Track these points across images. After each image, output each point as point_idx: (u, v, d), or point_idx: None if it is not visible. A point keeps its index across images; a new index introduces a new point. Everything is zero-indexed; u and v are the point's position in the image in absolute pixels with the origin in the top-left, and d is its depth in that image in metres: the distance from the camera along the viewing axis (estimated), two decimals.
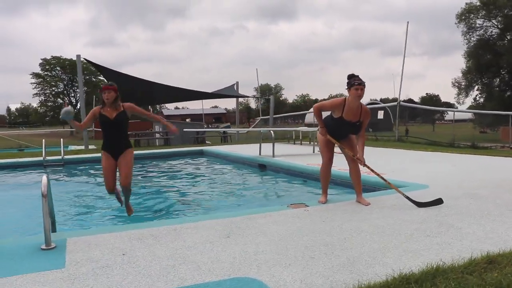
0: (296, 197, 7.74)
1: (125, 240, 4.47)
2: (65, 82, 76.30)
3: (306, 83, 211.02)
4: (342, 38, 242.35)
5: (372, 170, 6.08)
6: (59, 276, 3.50)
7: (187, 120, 40.51)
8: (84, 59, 19.87)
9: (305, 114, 42.40)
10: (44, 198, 4.15)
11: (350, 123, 5.72)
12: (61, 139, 17.18)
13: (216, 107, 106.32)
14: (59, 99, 77.60)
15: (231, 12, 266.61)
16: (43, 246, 4.24)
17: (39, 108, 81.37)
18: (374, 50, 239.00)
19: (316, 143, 14.18)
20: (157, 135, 24.76)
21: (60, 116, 5.81)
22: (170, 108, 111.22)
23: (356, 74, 5.68)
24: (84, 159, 15.27)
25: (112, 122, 5.78)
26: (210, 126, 37.25)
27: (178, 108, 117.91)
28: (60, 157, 14.75)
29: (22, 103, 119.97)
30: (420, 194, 6.29)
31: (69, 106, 5.79)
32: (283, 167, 10.63)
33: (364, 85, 5.54)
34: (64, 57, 73.70)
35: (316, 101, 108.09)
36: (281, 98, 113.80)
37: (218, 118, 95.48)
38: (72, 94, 77.96)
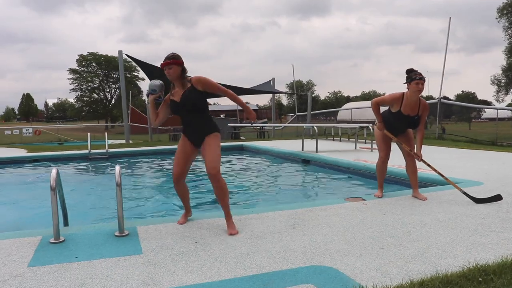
0: (346, 192, 7.79)
1: (194, 229, 4.62)
2: (100, 78, 77.63)
3: (338, 80, 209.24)
4: (375, 34, 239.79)
5: (429, 166, 6.09)
6: (140, 261, 3.65)
7: (222, 116, 40.78)
8: (126, 54, 20.20)
9: (337, 112, 42.06)
10: (118, 188, 4.30)
11: (409, 117, 5.74)
12: (105, 133, 17.53)
13: (247, 103, 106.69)
14: (94, 94, 79.15)
15: (263, 8, 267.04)
16: (117, 233, 4.41)
17: (76, 103, 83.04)
18: (408, 46, 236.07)
19: (368, 140, 14.20)
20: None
21: (147, 89, 4.80)
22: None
23: (414, 69, 5.70)
24: (128, 152, 15.62)
25: (180, 104, 4.59)
26: (243, 122, 37.40)
27: (210, 104, 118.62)
28: (104, 150, 15.10)
29: (59, 98, 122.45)
30: (476, 191, 6.26)
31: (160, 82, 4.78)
32: (328, 162, 10.67)
33: (424, 80, 5.55)
34: (99, 53, 75.09)
35: (348, 98, 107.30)
36: (313, 95, 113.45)
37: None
38: (107, 90, 79.41)
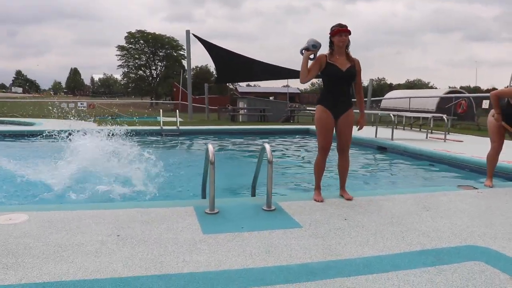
0: (437, 180, 8.00)
1: (333, 206, 4.93)
2: (147, 55, 78.63)
3: (381, 67, 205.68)
4: (423, 20, 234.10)
5: None
6: (306, 234, 3.98)
7: (271, 98, 40.99)
8: (193, 34, 20.58)
9: (380, 100, 41.44)
10: (270, 165, 4.62)
11: None
12: (177, 111, 17.98)
13: (287, 86, 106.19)
14: (140, 71, 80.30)
15: None
16: (265, 207, 4.75)
17: (122, 79, 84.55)
18: (457, 34, 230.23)
19: (429, 130, 14.24)
20: (242, 111, 25.40)
21: (306, 45, 4.94)
22: (242, 85, 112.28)
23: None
24: (198, 130, 16.09)
25: (344, 74, 4.91)
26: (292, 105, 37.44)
27: (250, 86, 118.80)
28: (175, 127, 15.59)
29: (105, 74, 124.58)
30: None
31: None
32: (408, 150, 10.81)
33: None
34: (147, 31, 75.95)
35: (391, 85, 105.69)
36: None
37: (291, 98, 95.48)
38: (154, 67, 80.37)
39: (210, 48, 20.86)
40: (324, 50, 5.09)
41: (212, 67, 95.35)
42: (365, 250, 3.60)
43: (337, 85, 5.01)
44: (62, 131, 7.78)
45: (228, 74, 22.48)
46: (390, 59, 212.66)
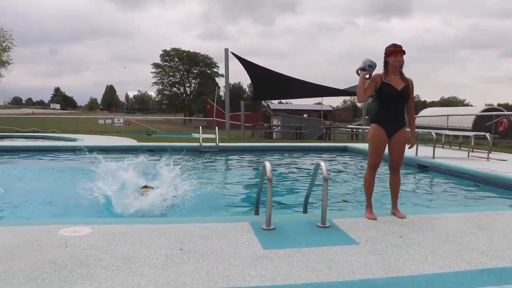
0: (485, 200, 7.93)
1: (387, 224, 4.97)
2: (181, 73, 79.91)
3: (416, 84, 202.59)
4: (458, 36, 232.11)
5: None
6: (364, 250, 4.03)
7: (305, 115, 41.12)
8: (231, 52, 20.89)
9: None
10: (325, 182, 4.70)
11: None
12: (216, 128, 18.15)
13: (319, 103, 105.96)
14: (174, 88, 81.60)
15: (342, 7, 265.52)
16: (319, 224, 4.82)
17: (157, 96, 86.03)
18: (494, 50, 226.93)
19: (480, 150, 14.06)
20: (276, 128, 25.51)
21: (362, 65, 5.12)
22: (274, 102, 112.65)
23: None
24: (237, 147, 16.27)
25: (399, 93, 5.07)
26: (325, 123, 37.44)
27: (282, 103, 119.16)
28: (214, 144, 15.78)
29: (139, 90, 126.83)
30: None
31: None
32: (450, 169, 10.71)
33: None
34: (182, 49, 77.31)
35: (425, 103, 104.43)
36: None
37: (324, 115, 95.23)
38: (188, 84, 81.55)
39: (248, 66, 21.10)
40: (377, 70, 5.17)
41: (245, 84, 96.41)
42: (425, 268, 3.63)
43: (392, 104, 5.13)
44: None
45: (265, 91, 22.65)
46: (423, 76, 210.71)
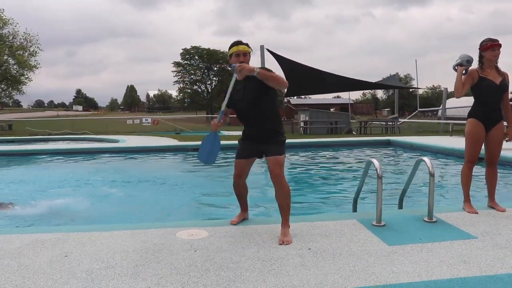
0: None
1: (489, 218, 4.97)
2: (202, 71, 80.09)
3: (436, 73, 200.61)
4: (480, 23, 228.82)
5: None
6: (489, 244, 4.06)
7: (332, 110, 41.01)
8: (267, 49, 20.91)
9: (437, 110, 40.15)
10: (432, 177, 4.72)
11: None
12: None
13: (338, 97, 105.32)
14: (195, 86, 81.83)
15: None
16: (426, 219, 4.85)
17: (177, 95, 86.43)
18: None
19: None
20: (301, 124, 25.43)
21: (459, 60, 5.19)
22: (293, 97, 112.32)
23: None
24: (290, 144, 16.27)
25: (497, 87, 5.08)
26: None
27: (301, 98, 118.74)
28: None
29: (159, 90, 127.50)
30: None
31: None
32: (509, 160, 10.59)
33: None
34: (202, 47, 77.43)
35: (451, 93, 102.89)
36: (410, 90, 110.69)
37: (344, 108, 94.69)
38: (209, 82, 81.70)
39: (283, 61, 21.09)
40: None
41: None
42: None
43: (490, 98, 5.16)
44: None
45: (299, 86, 22.60)
46: (445, 65, 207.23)
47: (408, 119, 32.38)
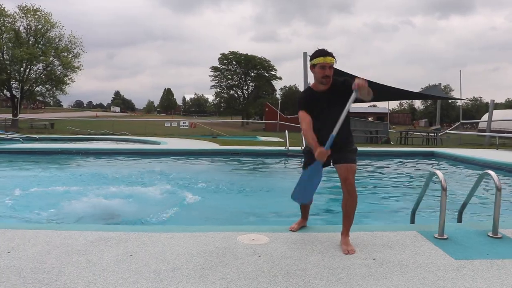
0: None
1: None
2: (239, 76, 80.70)
3: (476, 85, 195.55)
4: None
5: None
6: None
7: (370, 119, 40.66)
8: (310, 56, 20.82)
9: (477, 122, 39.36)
10: (498, 192, 4.61)
11: None
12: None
13: (374, 106, 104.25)
14: (231, 91, 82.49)
15: (397, 6, 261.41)
16: (490, 234, 4.74)
17: (214, 100, 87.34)
18: None
19: None
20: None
21: None
22: None
23: None
24: None
25: None
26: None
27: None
28: (299, 147, 15.80)
29: (196, 93, 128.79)
30: None
31: None
32: None
33: None
34: (240, 52, 78.00)
35: (487, 105, 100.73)
36: (449, 101, 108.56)
37: (380, 117, 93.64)
38: (245, 87, 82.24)
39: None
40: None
41: (300, 86, 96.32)
42: None
43: None
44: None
45: None
46: (486, 76, 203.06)
47: (450, 130, 31.75)
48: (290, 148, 15.73)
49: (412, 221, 5.53)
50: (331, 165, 4.58)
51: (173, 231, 4.75)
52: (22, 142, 18.41)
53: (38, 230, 4.72)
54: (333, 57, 4.27)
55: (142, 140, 21.72)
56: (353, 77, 4.29)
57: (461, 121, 31.58)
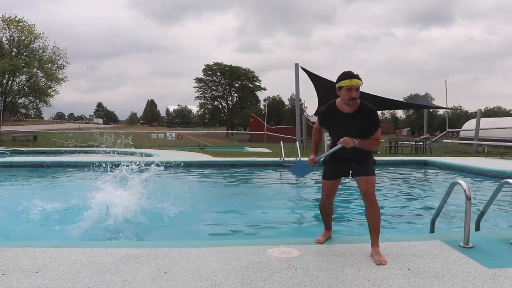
0: None
1: None
2: (223, 87, 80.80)
3: (456, 95, 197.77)
4: (503, 44, 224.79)
5: None
6: None
7: None
8: (301, 67, 21.03)
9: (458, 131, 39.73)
10: None
11: None
12: (297, 142, 18.21)
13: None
14: (216, 102, 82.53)
15: (379, 18, 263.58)
16: None
17: (198, 111, 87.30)
18: None
19: None
20: None
21: None
22: (311, 114, 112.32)
23: None
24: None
25: None
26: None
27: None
28: (294, 158, 15.85)
29: (179, 105, 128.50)
30: None
31: None
32: None
33: None
34: (224, 63, 78.10)
35: (466, 114, 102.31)
36: (430, 110, 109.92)
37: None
38: (230, 98, 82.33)
39: (316, 80, 21.16)
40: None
41: (284, 97, 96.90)
42: None
43: None
44: None
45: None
46: (465, 86, 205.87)
47: (437, 139, 32.09)
48: (286, 159, 15.74)
49: (432, 230, 5.58)
50: (350, 177, 4.63)
51: (199, 246, 4.74)
52: (10, 156, 18.12)
53: (59, 248, 4.64)
54: (360, 79, 4.26)
55: (130, 152, 21.51)
56: (375, 98, 4.45)
57: (448, 129, 31.99)
